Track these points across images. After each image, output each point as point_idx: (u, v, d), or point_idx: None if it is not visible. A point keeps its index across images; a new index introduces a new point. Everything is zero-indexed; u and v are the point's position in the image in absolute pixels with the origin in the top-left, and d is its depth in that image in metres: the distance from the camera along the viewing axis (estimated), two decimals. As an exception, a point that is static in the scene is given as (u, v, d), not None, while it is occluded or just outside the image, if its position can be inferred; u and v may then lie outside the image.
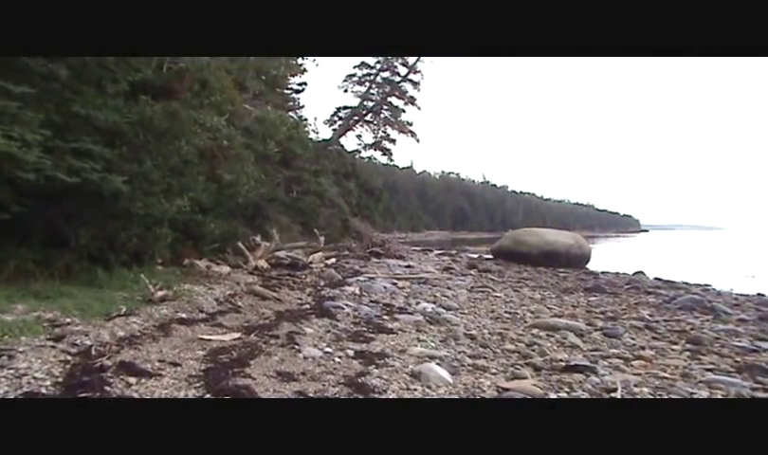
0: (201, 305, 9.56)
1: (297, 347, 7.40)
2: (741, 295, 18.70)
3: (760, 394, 7.06)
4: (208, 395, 5.34)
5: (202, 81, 13.84)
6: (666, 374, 7.74)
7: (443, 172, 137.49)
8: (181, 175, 12.14)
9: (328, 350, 7.44)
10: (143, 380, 5.58)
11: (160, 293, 9.28)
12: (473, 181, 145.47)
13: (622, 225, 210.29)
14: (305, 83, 32.95)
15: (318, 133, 39.12)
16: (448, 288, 15.32)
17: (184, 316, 8.70)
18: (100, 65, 9.82)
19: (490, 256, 28.79)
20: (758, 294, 19.17)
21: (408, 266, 20.74)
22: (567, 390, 6.67)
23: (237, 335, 7.92)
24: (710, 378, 7.60)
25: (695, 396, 6.73)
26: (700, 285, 20.94)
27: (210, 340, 7.44)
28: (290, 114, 28.51)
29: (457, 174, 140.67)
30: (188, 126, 11.87)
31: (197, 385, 5.61)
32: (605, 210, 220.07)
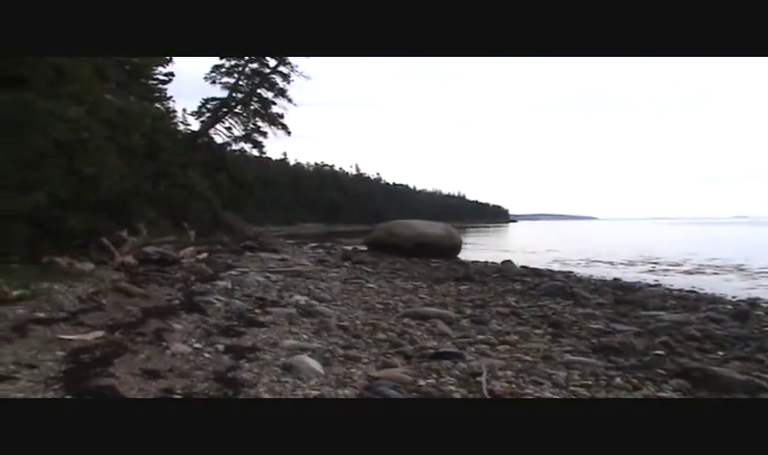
0: (61, 304, 9.07)
1: (164, 344, 7.19)
2: (600, 280, 20.00)
3: (613, 372, 7.59)
4: (68, 397, 5.11)
5: (57, 69, 13.11)
6: (528, 357, 8.19)
7: (316, 163, 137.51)
8: (37, 169, 11.46)
9: (197, 345, 7.28)
10: (-5, 384, 5.27)
11: (16, 292, 8.71)
12: (346, 173, 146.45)
13: (491, 215, 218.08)
14: (172, 74, 31.87)
15: (189, 125, 38.01)
16: (322, 280, 15.37)
17: (42, 315, 8.22)
18: (-59, 50, 9.12)
19: (364, 248, 29.12)
20: (615, 279, 20.59)
21: (282, 259, 20.61)
22: (435, 376, 6.91)
23: (100, 333, 7.59)
24: (568, 359, 8.14)
25: (554, 376, 7.14)
26: (563, 272, 22.19)
27: (70, 340, 7.08)
28: (156, 105, 27.55)
29: (331, 167, 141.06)
30: (43, 117, 11.22)
31: (56, 387, 5.35)
32: (475, 201, 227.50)
